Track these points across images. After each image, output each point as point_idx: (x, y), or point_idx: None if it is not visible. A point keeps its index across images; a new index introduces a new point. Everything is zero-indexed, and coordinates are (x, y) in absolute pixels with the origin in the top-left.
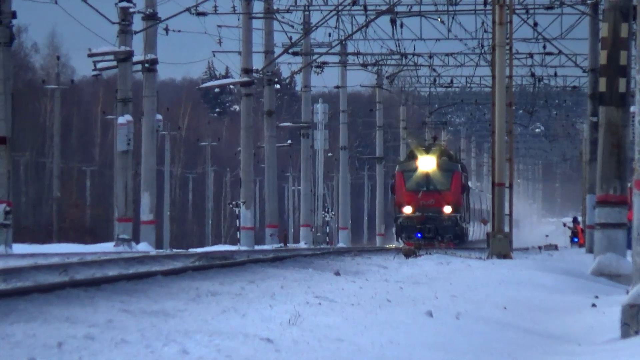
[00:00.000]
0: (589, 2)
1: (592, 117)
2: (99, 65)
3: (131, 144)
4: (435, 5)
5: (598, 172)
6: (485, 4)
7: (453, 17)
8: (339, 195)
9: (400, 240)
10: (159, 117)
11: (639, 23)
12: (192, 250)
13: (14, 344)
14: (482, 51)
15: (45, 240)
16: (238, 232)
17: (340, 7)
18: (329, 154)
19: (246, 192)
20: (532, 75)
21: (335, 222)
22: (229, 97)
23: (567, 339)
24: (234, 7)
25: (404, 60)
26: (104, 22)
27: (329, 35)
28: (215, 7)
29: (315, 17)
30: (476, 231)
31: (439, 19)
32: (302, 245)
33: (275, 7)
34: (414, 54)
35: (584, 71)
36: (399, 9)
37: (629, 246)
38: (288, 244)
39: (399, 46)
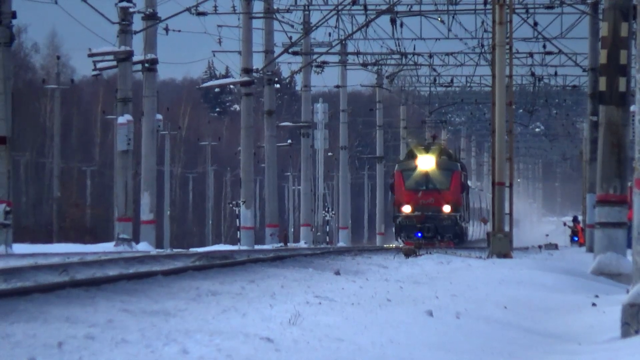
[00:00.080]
0: (588, 1)
1: (592, 116)
2: (99, 65)
3: (131, 143)
4: (435, 4)
5: (598, 172)
6: (485, 3)
7: (453, 17)
8: (339, 195)
9: (399, 239)
10: (159, 116)
11: (639, 22)
12: (192, 250)
13: (14, 344)
14: (482, 51)
15: (46, 240)
16: (238, 232)
17: (340, 7)
18: (329, 154)
19: (246, 191)
20: (532, 74)
21: (336, 222)
22: (229, 96)
23: (567, 338)
24: (234, 6)
25: (404, 59)
26: (104, 22)
27: (329, 34)
28: (215, 6)
29: (315, 17)
30: (476, 230)
31: (439, 19)
32: (302, 244)
33: (275, 7)
34: (414, 54)
35: (584, 70)
36: (399, 8)
37: (629, 245)
38: (288, 244)
39: (399, 46)
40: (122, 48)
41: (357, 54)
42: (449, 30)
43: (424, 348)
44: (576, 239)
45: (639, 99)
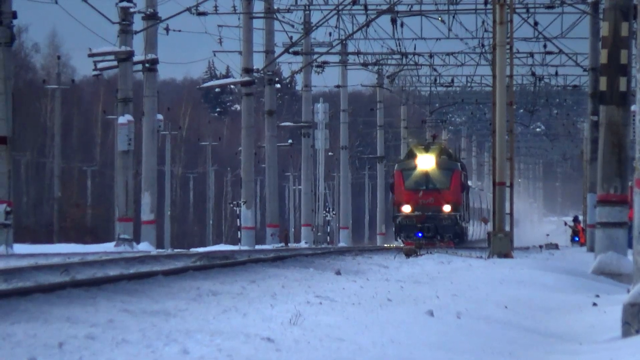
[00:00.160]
0: (589, 1)
1: (593, 116)
2: (100, 65)
3: (132, 143)
4: (436, 4)
5: (599, 171)
6: (485, 3)
7: (453, 17)
8: (339, 195)
9: (399, 239)
10: (160, 116)
11: (639, 22)
12: (193, 250)
13: (14, 344)
14: (483, 50)
15: (46, 240)
16: (239, 232)
17: (340, 7)
18: (330, 154)
19: (247, 191)
20: (533, 74)
21: (336, 222)
22: (230, 96)
23: (568, 338)
24: (234, 6)
25: (404, 59)
26: (105, 22)
27: (330, 34)
28: (216, 6)
29: (315, 17)
30: (476, 230)
31: (440, 19)
32: (303, 244)
33: (275, 7)
34: (414, 54)
35: (585, 70)
36: (399, 8)
37: (630, 245)
38: (289, 244)
39: (399, 46)
40: (123, 48)
41: (358, 53)
42: (450, 30)
43: (425, 348)
44: (577, 238)
45: (639, 98)
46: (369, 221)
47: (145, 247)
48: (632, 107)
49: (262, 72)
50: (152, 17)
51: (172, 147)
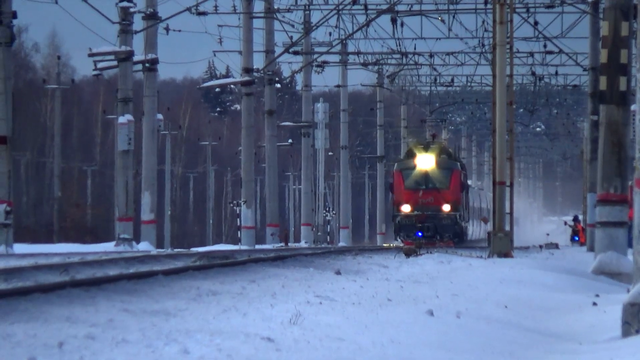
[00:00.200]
0: (589, 0)
1: (593, 115)
2: (100, 65)
3: (132, 143)
4: (436, 4)
5: (599, 171)
6: (485, 2)
7: (454, 16)
8: (339, 195)
9: (398, 239)
10: (160, 116)
11: (639, 21)
12: (193, 250)
13: (14, 344)
14: (483, 50)
15: (46, 240)
16: (239, 232)
17: (340, 7)
18: (330, 153)
19: (247, 191)
20: (533, 74)
21: (336, 221)
22: (230, 96)
23: (568, 337)
24: (234, 6)
25: (404, 59)
26: (105, 21)
27: (330, 34)
28: (216, 6)
29: (315, 17)
30: (475, 230)
31: (440, 18)
32: (303, 244)
33: (275, 7)
34: (414, 53)
35: (585, 70)
36: (399, 8)
37: (630, 245)
38: (289, 243)
39: (399, 45)
40: (123, 48)
41: (358, 53)
42: (450, 29)
43: (425, 347)
44: (577, 238)
45: (639, 98)
46: (369, 221)
47: (145, 246)
48: (632, 107)
49: (262, 71)
50: (152, 17)
51: (172, 147)
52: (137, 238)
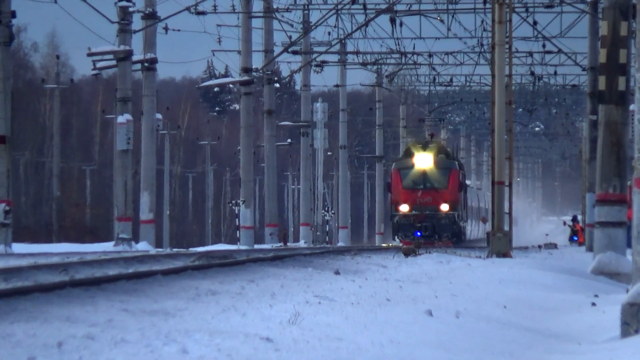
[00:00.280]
0: (588, 0)
1: (592, 115)
2: (99, 65)
3: (131, 143)
4: (435, 4)
5: (598, 171)
6: (484, 2)
7: (453, 16)
8: (338, 194)
9: (396, 238)
10: (159, 116)
11: (638, 21)
12: (192, 250)
13: (14, 344)
14: (482, 50)
15: (45, 239)
16: (238, 231)
17: (339, 6)
18: (329, 153)
19: (246, 191)
20: (532, 73)
21: (335, 221)
22: (229, 96)
23: (567, 337)
24: (233, 6)
25: (403, 59)
26: (104, 21)
27: (329, 34)
28: (215, 6)
29: (314, 16)
30: (474, 230)
31: (439, 18)
32: (301, 244)
33: (274, 6)
34: (413, 53)
35: (584, 69)
36: (398, 7)
37: (629, 245)
38: (288, 243)
39: (398, 45)
40: (122, 47)
41: (357, 53)
42: (449, 29)
43: (424, 347)
44: (576, 238)
45: (638, 98)
46: (367, 220)
47: (144, 246)
48: (631, 107)
49: (261, 71)
50: (151, 17)
51: (171, 147)
52: (136, 238)
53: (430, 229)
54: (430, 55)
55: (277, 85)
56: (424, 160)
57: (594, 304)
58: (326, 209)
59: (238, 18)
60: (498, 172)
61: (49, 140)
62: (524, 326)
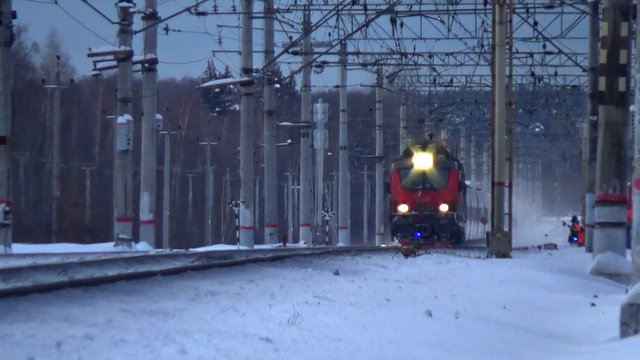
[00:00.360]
0: (589, 1)
1: (592, 116)
2: (99, 65)
3: (131, 143)
4: (435, 4)
5: (598, 171)
6: (485, 3)
7: (453, 17)
8: (338, 195)
9: (395, 239)
10: (159, 116)
11: (638, 22)
12: (191, 250)
13: (13, 344)
14: (482, 50)
15: (45, 240)
16: (237, 232)
17: (340, 7)
18: (329, 154)
19: (246, 191)
20: (532, 74)
21: (335, 222)
22: (229, 96)
23: (566, 338)
24: (234, 6)
25: (404, 59)
26: (104, 22)
27: (329, 34)
28: (215, 6)
29: (315, 17)
30: (473, 230)
31: (439, 19)
32: (301, 244)
33: (275, 7)
34: (414, 54)
35: (584, 70)
36: (399, 8)
37: (629, 245)
38: (287, 244)
39: (398, 46)
40: (122, 48)
41: (357, 53)
42: (449, 30)
43: (423, 348)
44: (575, 238)
45: (638, 99)
46: (367, 221)
47: (143, 247)
48: (631, 107)
49: (261, 72)
50: (151, 17)
51: (171, 147)
52: (135, 238)
53: (430, 229)
54: (430, 56)
55: (278, 85)
56: (423, 161)
57: (593, 305)
58: (326, 209)
59: (238, 19)
60: (498, 173)
61: (49, 140)
62: (524, 326)
